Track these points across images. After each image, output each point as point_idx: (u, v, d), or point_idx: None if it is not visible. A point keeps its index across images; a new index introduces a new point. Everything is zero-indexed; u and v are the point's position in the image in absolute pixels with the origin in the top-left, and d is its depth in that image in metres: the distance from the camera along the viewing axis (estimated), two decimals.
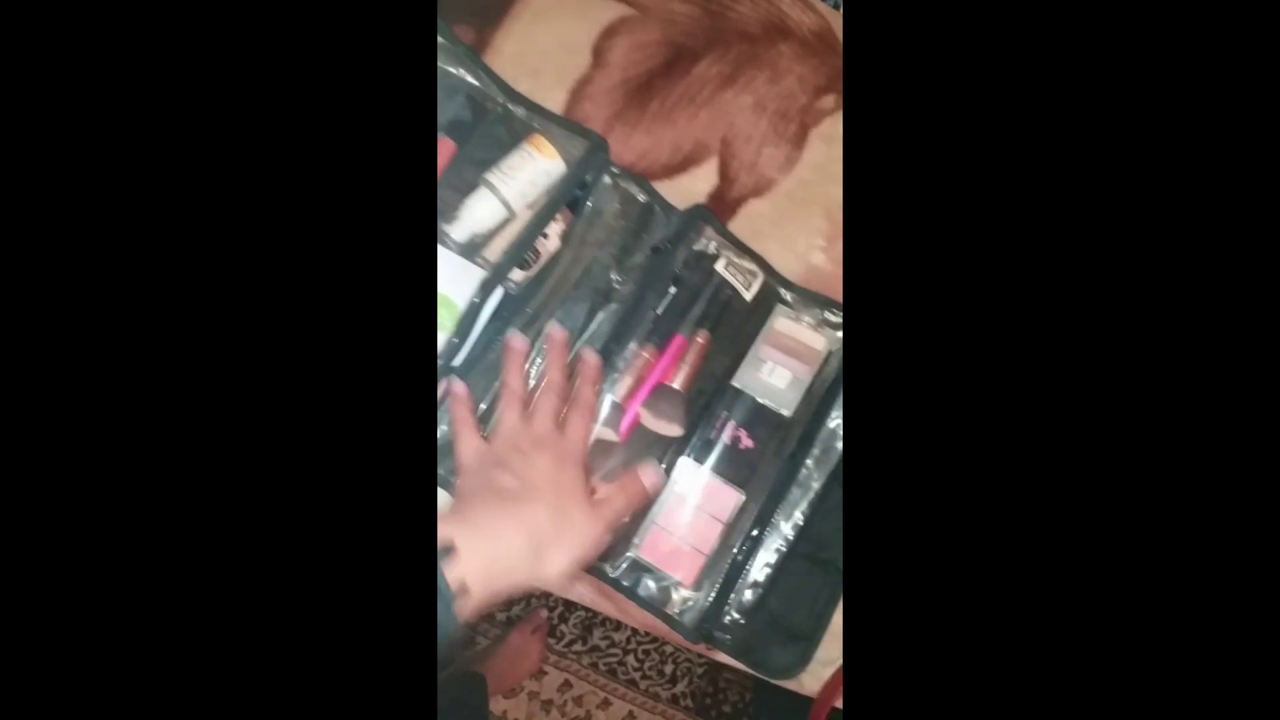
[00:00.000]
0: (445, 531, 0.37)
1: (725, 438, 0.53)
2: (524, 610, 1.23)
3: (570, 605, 1.24)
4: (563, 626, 1.24)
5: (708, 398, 0.54)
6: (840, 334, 0.55)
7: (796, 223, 0.58)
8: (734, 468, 0.53)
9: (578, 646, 1.24)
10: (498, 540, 0.39)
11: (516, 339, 0.50)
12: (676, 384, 0.53)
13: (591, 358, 0.50)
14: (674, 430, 0.53)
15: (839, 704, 0.55)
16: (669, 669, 1.26)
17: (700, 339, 0.54)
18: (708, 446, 0.53)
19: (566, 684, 1.23)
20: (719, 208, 0.57)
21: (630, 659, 1.25)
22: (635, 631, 1.25)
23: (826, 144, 0.59)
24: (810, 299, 0.55)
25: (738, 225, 0.57)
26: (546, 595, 1.23)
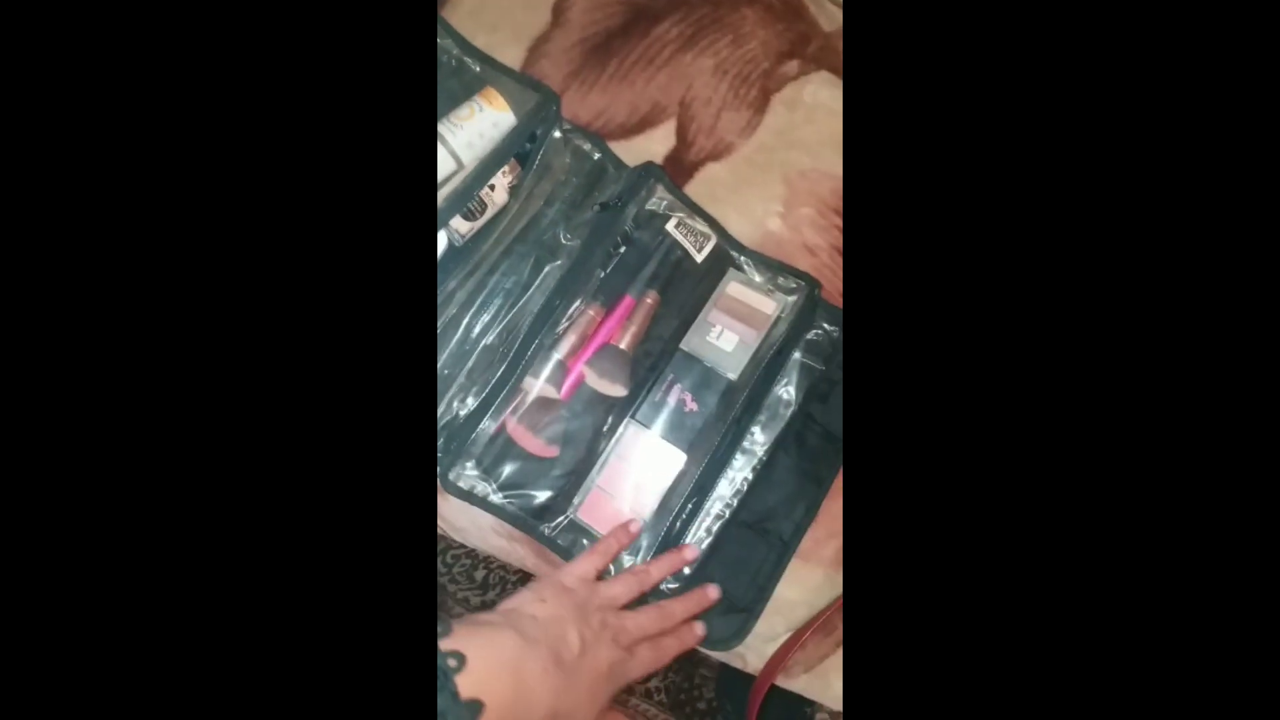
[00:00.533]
0: (488, 684, 0.36)
1: (671, 400, 0.52)
2: (499, 595, 1.21)
3: None
4: None
5: (654, 359, 0.52)
6: (791, 298, 0.53)
7: (754, 188, 0.57)
8: (678, 431, 0.51)
9: None
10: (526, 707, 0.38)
11: (690, 551, 0.50)
12: (622, 344, 0.52)
13: (713, 591, 0.49)
14: (617, 391, 0.51)
15: (778, 681, 0.53)
16: None
17: (649, 300, 0.52)
18: (653, 409, 0.52)
19: None
20: (676, 170, 0.56)
21: None
22: None
23: (788, 109, 0.58)
24: (763, 263, 0.54)
25: (695, 189, 0.56)
26: (523, 581, 1.22)
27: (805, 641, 0.52)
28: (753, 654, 0.54)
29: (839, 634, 0.53)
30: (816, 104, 0.57)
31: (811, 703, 0.67)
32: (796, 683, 0.54)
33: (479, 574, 1.22)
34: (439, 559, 1.23)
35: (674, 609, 0.47)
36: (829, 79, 0.58)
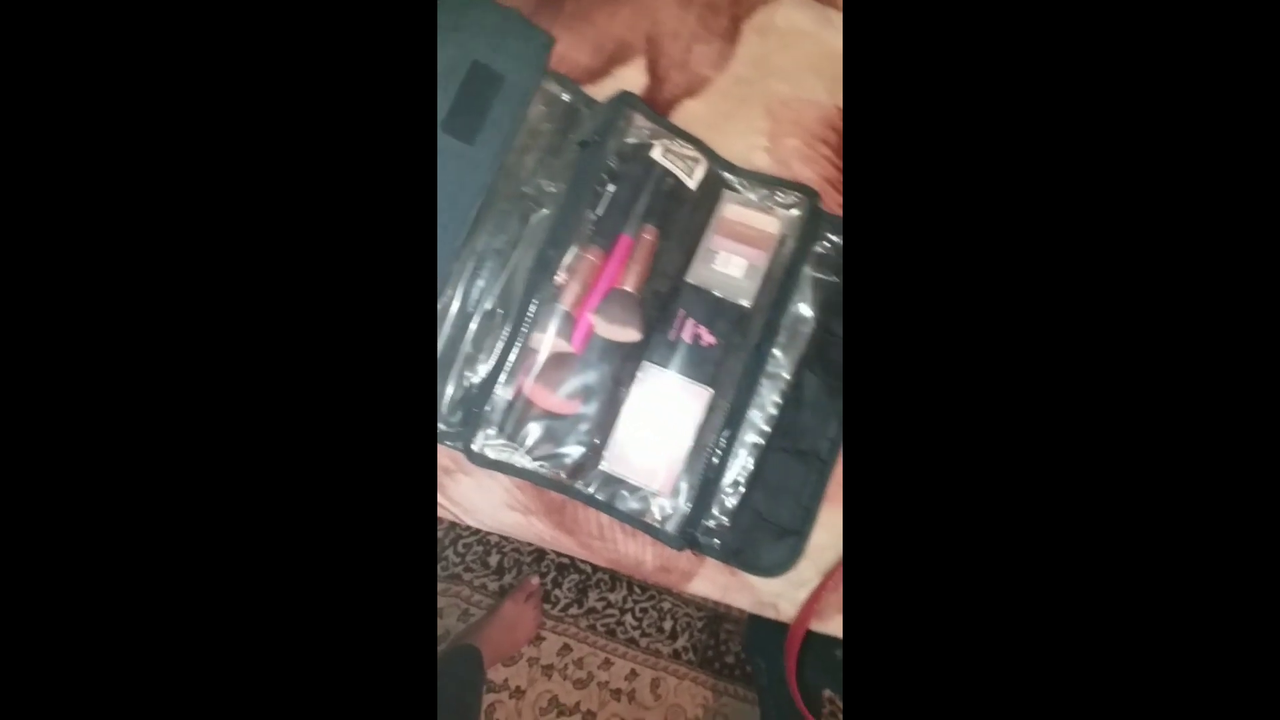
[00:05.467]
0: None
1: (686, 337, 0.48)
2: (515, 579, 1.17)
3: (563, 569, 1.18)
4: (557, 591, 1.18)
5: (663, 297, 0.48)
6: (792, 213, 0.50)
7: (736, 122, 0.52)
8: (698, 367, 0.47)
9: (574, 610, 1.18)
10: None
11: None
12: (628, 286, 0.48)
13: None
14: (631, 335, 0.47)
15: (812, 626, 0.50)
16: (668, 625, 1.20)
17: (648, 235, 0.48)
18: (669, 348, 0.48)
19: (566, 647, 1.17)
20: (652, 109, 0.51)
21: (628, 618, 1.19)
22: (632, 590, 1.20)
23: (761, 36, 0.53)
24: (757, 180, 0.50)
25: None
26: (538, 560, 1.17)
27: (838, 583, 0.49)
28: (785, 601, 0.50)
29: None
30: (791, 28, 0.53)
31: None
32: (831, 624, 0.51)
33: (492, 559, 1.17)
34: (451, 549, 1.18)
35: None
36: (801, 0, 0.54)
